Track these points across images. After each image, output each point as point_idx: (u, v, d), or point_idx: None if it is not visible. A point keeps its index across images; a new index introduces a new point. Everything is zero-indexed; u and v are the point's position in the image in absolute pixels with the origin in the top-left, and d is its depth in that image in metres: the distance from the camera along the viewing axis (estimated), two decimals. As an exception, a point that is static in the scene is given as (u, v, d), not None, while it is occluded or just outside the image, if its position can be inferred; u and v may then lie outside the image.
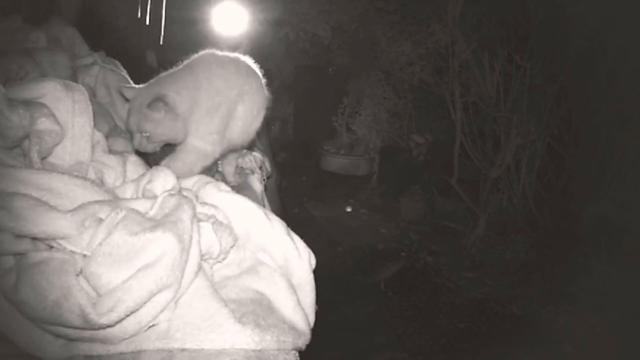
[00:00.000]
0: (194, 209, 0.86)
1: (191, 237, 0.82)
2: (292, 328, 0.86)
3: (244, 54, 1.41)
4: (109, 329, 0.76)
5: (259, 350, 0.80)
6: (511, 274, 3.58)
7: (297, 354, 0.85)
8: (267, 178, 1.54)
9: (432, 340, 2.99)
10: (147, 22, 2.59)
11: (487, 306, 3.30)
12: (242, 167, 1.42)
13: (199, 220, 0.87)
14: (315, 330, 0.92)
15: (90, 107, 1.09)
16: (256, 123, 1.35)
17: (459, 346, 2.96)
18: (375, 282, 3.56)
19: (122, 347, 0.79)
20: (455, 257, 3.83)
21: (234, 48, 1.42)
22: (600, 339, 2.89)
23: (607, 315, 2.98)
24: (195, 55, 1.32)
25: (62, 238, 0.81)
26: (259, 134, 1.45)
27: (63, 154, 1.03)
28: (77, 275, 0.79)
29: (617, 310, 2.96)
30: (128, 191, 0.98)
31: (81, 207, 0.84)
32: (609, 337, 2.87)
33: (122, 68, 1.72)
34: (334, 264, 3.64)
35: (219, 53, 1.32)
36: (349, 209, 4.69)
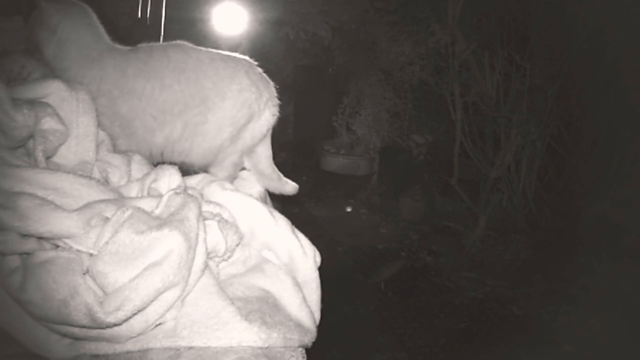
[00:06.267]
0: (199, 207, 0.86)
1: (197, 235, 0.82)
2: (298, 325, 0.86)
3: (244, 53, 1.42)
4: (116, 328, 0.76)
5: (266, 348, 0.80)
6: (511, 274, 3.58)
7: (304, 352, 0.85)
8: None
9: (432, 340, 2.99)
10: (147, 22, 2.59)
11: (487, 306, 3.30)
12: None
13: (205, 219, 0.87)
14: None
15: (94, 106, 1.09)
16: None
17: (459, 346, 2.96)
18: (375, 282, 3.55)
19: (129, 346, 0.79)
20: (455, 257, 3.82)
21: (234, 48, 1.43)
22: (600, 339, 2.88)
23: (607, 315, 2.97)
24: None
25: (68, 237, 0.81)
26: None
27: (67, 154, 1.03)
28: (83, 274, 0.79)
29: (617, 310, 2.96)
30: (133, 190, 0.98)
31: (87, 206, 0.84)
32: (609, 337, 2.86)
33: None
34: (334, 264, 3.63)
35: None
36: (349, 209, 4.69)
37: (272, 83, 1.42)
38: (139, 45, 1.35)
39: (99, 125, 1.19)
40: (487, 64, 3.87)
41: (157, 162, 1.32)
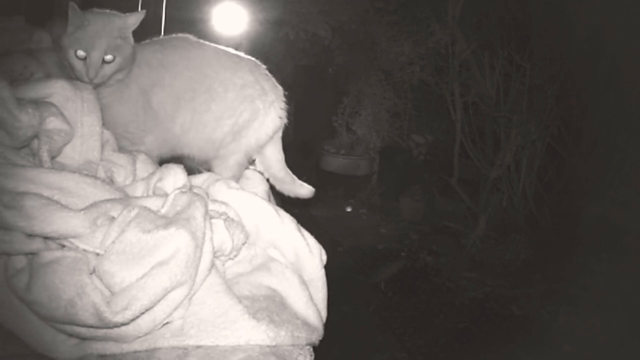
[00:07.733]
0: (206, 206, 0.86)
1: (204, 234, 0.82)
2: (305, 323, 0.86)
3: (244, 54, 1.42)
4: (123, 327, 0.76)
5: (274, 346, 0.80)
6: (511, 274, 3.58)
7: (312, 350, 0.85)
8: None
9: (432, 340, 2.99)
10: (147, 22, 2.59)
11: (487, 306, 3.30)
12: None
13: (211, 218, 0.87)
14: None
15: (99, 106, 1.09)
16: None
17: (459, 346, 2.96)
18: (375, 282, 3.55)
19: (136, 346, 0.79)
20: (455, 257, 3.82)
21: (234, 48, 1.43)
22: (600, 339, 2.88)
23: (607, 315, 2.97)
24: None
25: (75, 237, 0.81)
26: None
27: (72, 153, 1.03)
28: (90, 273, 0.79)
29: (617, 310, 2.96)
30: (138, 189, 0.98)
31: (93, 205, 0.84)
32: (609, 337, 2.86)
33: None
34: (334, 264, 3.61)
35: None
36: (349, 209, 4.68)
37: (280, 88, 1.42)
38: (142, 42, 1.36)
39: (135, 121, 1.20)
40: (487, 64, 3.87)
41: (170, 156, 1.34)
